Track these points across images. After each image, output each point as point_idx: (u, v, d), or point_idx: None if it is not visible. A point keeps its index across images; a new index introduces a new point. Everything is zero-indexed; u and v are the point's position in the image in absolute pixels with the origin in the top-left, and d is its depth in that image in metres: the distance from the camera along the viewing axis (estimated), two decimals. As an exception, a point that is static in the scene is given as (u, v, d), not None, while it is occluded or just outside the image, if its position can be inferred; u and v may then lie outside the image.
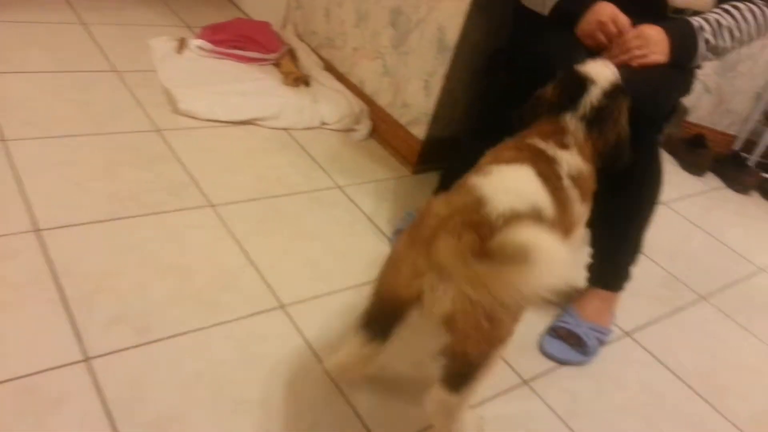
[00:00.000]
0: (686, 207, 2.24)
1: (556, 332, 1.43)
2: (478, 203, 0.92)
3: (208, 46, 2.23)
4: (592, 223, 1.51)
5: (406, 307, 0.96)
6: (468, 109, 1.90)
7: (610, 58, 1.30)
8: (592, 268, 1.52)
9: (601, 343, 1.45)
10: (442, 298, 0.88)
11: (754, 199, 2.48)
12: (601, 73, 1.19)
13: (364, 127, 2.05)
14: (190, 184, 1.59)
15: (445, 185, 1.61)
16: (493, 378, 1.27)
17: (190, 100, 1.89)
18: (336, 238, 1.56)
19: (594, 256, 1.51)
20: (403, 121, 1.97)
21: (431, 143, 1.91)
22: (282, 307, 1.31)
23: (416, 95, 1.90)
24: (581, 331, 1.43)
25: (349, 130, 2.05)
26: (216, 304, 1.27)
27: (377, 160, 1.95)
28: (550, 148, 1.13)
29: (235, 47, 2.26)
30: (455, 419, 1.01)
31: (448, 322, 0.90)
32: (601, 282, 1.51)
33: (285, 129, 1.96)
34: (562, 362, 1.40)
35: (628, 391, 1.37)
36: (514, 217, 0.91)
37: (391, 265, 0.99)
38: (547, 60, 1.31)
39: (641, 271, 1.66)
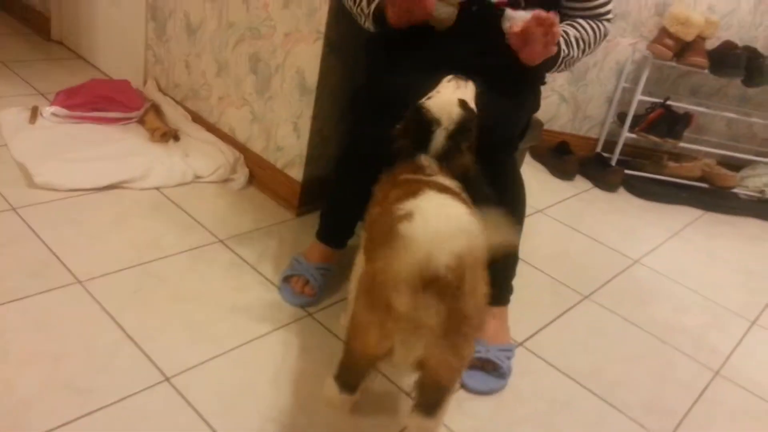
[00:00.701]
0: (560, 211, 2.37)
1: (472, 365, 1.44)
2: (423, 257, 0.92)
3: (63, 111, 2.11)
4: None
5: (376, 362, 1.08)
6: (339, 147, 1.91)
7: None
8: (479, 286, 1.56)
9: (510, 360, 1.47)
10: (413, 348, 0.99)
11: (621, 195, 2.66)
12: (446, 110, 1.24)
13: (241, 176, 2.01)
14: (53, 262, 1.48)
15: (328, 224, 1.61)
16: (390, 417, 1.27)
17: (46, 171, 1.78)
18: (220, 295, 1.50)
19: (479, 274, 1.55)
20: (279, 164, 1.95)
21: (310, 183, 1.90)
22: (167, 379, 1.23)
23: (287, 138, 1.89)
24: (492, 355, 1.44)
25: (225, 181, 2.00)
26: (92, 389, 1.18)
27: (258, 207, 1.92)
28: (427, 177, 1.21)
29: (93, 109, 2.16)
30: None
31: (421, 365, 1.03)
32: (492, 299, 1.55)
33: (156, 188, 1.88)
34: (489, 392, 1.40)
35: (527, 402, 1.41)
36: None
37: (357, 332, 1.06)
38: (403, 90, 1.34)
39: (526, 279, 1.73)
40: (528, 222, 2.02)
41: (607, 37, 1.57)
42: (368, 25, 1.47)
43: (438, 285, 0.92)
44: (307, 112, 1.80)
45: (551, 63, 1.42)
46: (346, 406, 1.23)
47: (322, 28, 1.68)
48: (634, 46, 2.72)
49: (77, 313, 1.35)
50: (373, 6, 1.44)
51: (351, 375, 1.15)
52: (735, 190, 2.73)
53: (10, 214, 1.62)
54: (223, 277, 1.57)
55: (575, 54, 1.46)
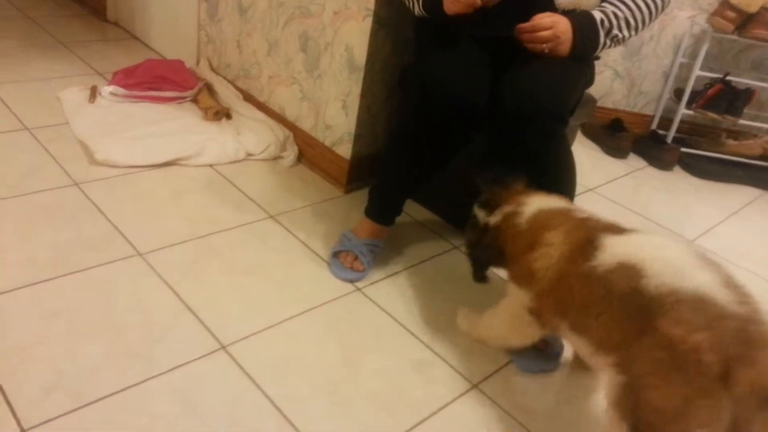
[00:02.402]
0: (612, 190, 2.32)
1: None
2: (710, 302, 0.86)
3: (121, 91, 2.18)
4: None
5: None
6: (388, 124, 1.92)
7: (520, 41, 1.35)
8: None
9: (562, 341, 1.46)
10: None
11: (676, 174, 2.58)
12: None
13: (290, 154, 2.04)
14: (114, 235, 1.55)
15: (376, 201, 1.62)
16: (441, 385, 1.28)
17: (106, 148, 1.85)
18: (272, 270, 1.54)
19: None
20: (327, 142, 1.97)
21: (358, 161, 1.92)
22: (223, 348, 1.28)
23: (336, 116, 1.91)
24: (548, 336, 1.43)
25: (276, 159, 2.04)
26: (151, 356, 1.23)
27: (308, 184, 1.95)
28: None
29: (149, 89, 2.23)
30: None
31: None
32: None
33: (210, 165, 1.94)
34: (540, 372, 1.40)
35: (575, 382, 1.40)
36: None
37: (674, 420, 0.87)
38: (448, 85, 1.34)
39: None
40: (578, 201, 1.99)
41: (665, 10, 1.52)
42: (418, 11, 1.46)
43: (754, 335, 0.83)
44: (356, 90, 1.81)
45: (589, 49, 1.39)
46: None
47: (371, 6, 1.68)
48: (693, 19, 2.62)
49: (137, 284, 1.41)
50: None
51: None
52: (798, 169, 2.62)
53: (73, 189, 1.69)
54: (275, 252, 1.61)
55: (623, 35, 1.41)
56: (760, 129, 2.71)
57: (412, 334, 1.43)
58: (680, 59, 2.67)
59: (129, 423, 1.09)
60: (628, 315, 0.94)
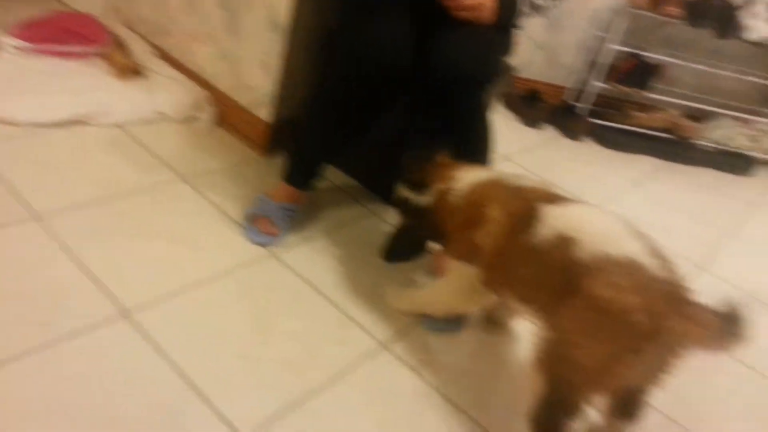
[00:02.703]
0: (526, 159, 2.40)
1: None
2: (640, 267, 0.93)
3: (25, 44, 2.04)
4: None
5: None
6: (309, 88, 1.89)
7: (446, 7, 1.34)
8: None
9: None
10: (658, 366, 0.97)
11: (587, 145, 2.70)
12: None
13: (206, 114, 1.99)
14: (8, 198, 1.47)
15: (294, 165, 1.61)
16: (352, 346, 1.31)
17: (5, 105, 1.73)
18: (184, 233, 1.51)
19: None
20: (246, 104, 1.93)
21: (278, 124, 1.89)
22: (126, 313, 1.26)
23: (256, 77, 1.87)
24: None
25: (190, 119, 1.98)
26: (50, 323, 1.19)
27: (224, 147, 1.91)
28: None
29: (56, 43, 2.09)
30: None
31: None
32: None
33: (119, 125, 1.86)
34: (447, 332, 1.44)
35: (479, 340, 1.46)
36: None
37: (602, 376, 0.95)
38: (374, 47, 1.34)
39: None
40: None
41: None
42: None
43: (682, 298, 0.91)
44: (277, 50, 1.77)
45: (510, 16, 1.42)
46: None
47: (293, -37, 1.64)
48: (610, -7, 2.71)
49: (33, 249, 1.35)
50: None
51: (562, 427, 1.02)
52: (696, 142, 2.79)
53: (-32, 148, 1.59)
54: (186, 215, 1.57)
55: (544, 3, 1.45)
56: (667, 103, 2.85)
57: (326, 297, 1.45)
58: (597, 33, 2.76)
59: (26, 392, 1.06)
60: (565, 283, 0.99)
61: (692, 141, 2.78)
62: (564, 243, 1.01)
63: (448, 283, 1.34)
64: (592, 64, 2.75)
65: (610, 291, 0.90)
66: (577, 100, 2.80)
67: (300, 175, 1.62)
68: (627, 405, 1.10)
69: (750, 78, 2.86)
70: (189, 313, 1.30)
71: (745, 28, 2.55)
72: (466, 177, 1.25)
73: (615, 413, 1.11)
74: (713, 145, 2.79)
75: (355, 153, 1.86)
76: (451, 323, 1.46)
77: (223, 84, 1.98)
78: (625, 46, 2.66)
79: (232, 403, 1.14)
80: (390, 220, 1.79)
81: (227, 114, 1.99)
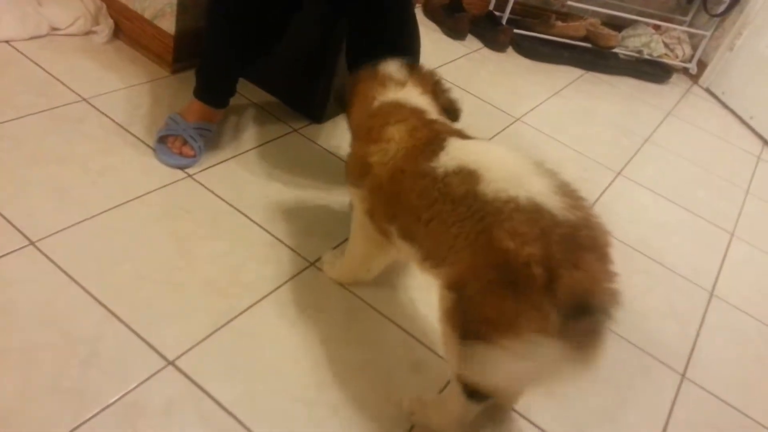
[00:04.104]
0: (451, 71, 2.35)
1: None
2: (543, 210, 0.86)
3: None
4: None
5: None
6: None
7: None
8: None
9: None
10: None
11: (509, 55, 2.67)
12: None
13: (105, 28, 1.81)
14: None
15: (205, 81, 1.50)
16: (278, 265, 1.28)
17: None
18: (87, 158, 1.40)
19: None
20: (147, 15, 1.77)
21: (184, 37, 1.75)
22: (32, 243, 1.16)
23: (156, -16, 1.70)
24: None
25: (87, 34, 1.80)
26: (-56, 256, 1.09)
27: (127, 63, 1.75)
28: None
29: None
30: None
31: None
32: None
33: (6, 41, 1.67)
34: None
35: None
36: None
37: (500, 326, 0.87)
38: None
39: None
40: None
41: None
42: None
43: (582, 240, 0.85)
44: (175, -46, 1.62)
45: None
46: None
47: None
48: None
49: None
50: None
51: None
52: (615, 50, 2.82)
53: None
54: (90, 139, 1.45)
55: None
56: (585, 11, 2.85)
57: (249, 218, 1.39)
58: (516, -62, 2.68)
59: None
60: (461, 220, 0.92)
61: (612, 50, 2.80)
62: (467, 177, 0.93)
63: (354, 230, 1.22)
64: (513, -28, 2.68)
65: (511, 242, 0.84)
66: (500, 9, 2.74)
67: (212, 92, 1.51)
68: None
69: (665, -16, 2.88)
70: (102, 240, 1.22)
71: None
72: (389, 94, 1.14)
73: None
74: (632, 54, 2.83)
75: (272, 67, 1.76)
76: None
77: (121, -7, 1.80)
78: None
79: (158, 329, 1.09)
80: (312, 137, 1.72)
81: (128, 27, 1.82)
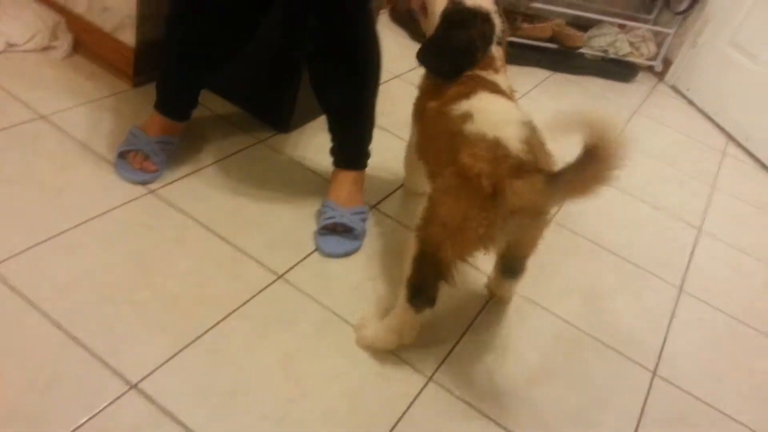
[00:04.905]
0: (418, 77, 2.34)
1: (325, 229, 1.44)
2: (502, 146, 1.06)
3: None
4: (326, 109, 1.51)
5: (466, 260, 1.12)
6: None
7: None
8: (335, 152, 1.54)
9: (365, 222, 1.49)
10: (510, 232, 1.10)
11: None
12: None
13: (63, 43, 1.77)
14: None
15: (166, 93, 1.48)
16: (244, 280, 1.26)
17: None
18: (45, 176, 1.36)
19: (334, 140, 1.53)
20: (107, 28, 1.74)
21: (146, 49, 1.72)
22: (-12, 268, 1.13)
23: (114, -4, 1.67)
24: (346, 219, 1.45)
25: (45, 49, 1.76)
26: None
27: (87, 77, 1.72)
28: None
29: None
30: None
31: (511, 245, 1.19)
32: (348, 164, 1.54)
33: (-42, 59, 1.63)
34: (344, 255, 1.43)
35: (378, 259, 1.45)
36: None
37: (454, 235, 1.07)
38: None
39: (382, 144, 1.73)
40: (385, 87, 1.99)
41: None
42: None
43: (524, 169, 1.03)
44: (133, -35, 1.59)
45: None
46: (416, 328, 1.22)
47: None
48: None
49: None
50: None
51: (434, 286, 1.15)
52: (582, 50, 2.84)
53: None
54: (48, 157, 1.42)
55: None
56: (551, 12, 2.87)
57: (214, 233, 1.37)
58: (479, -59, 2.69)
59: None
60: (450, 148, 1.13)
61: (578, 50, 2.83)
62: (465, 118, 1.14)
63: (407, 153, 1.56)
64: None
65: (470, 160, 1.05)
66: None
67: (173, 104, 1.49)
68: (509, 266, 1.32)
69: (628, -16, 2.92)
70: (61, 261, 1.19)
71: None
72: None
73: (500, 273, 1.36)
74: (598, 53, 2.86)
75: (236, 76, 1.74)
76: (346, 245, 1.43)
77: (78, 6, 1.77)
78: (509, -45, 2.62)
79: (120, 351, 1.07)
80: (279, 147, 1.71)
81: (88, 41, 1.79)
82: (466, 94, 1.20)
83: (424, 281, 1.14)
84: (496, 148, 1.06)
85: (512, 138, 1.07)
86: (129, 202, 1.37)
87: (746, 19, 2.65)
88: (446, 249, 1.08)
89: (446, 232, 1.08)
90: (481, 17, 1.27)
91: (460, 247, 1.08)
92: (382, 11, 2.68)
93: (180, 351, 1.10)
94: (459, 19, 1.26)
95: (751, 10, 2.63)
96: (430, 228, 1.11)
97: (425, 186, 1.29)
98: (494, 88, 1.23)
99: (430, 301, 1.16)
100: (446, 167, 1.11)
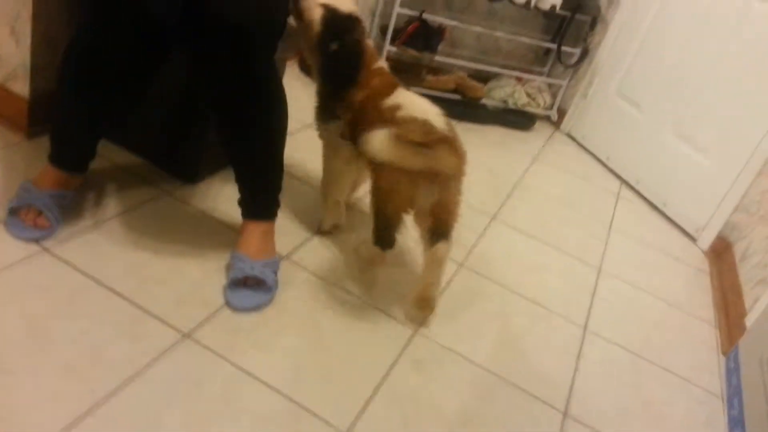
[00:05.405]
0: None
1: (235, 283, 1.40)
2: (430, 125, 1.41)
3: None
4: (233, 160, 1.49)
5: (403, 215, 1.48)
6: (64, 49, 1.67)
7: None
8: (244, 203, 1.50)
9: (276, 273, 1.46)
10: (433, 194, 1.42)
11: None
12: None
13: (-54, 93, 1.66)
14: None
15: (60, 144, 1.41)
16: (147, 341, 1.19)
17: None
18: None
19: (242, 190, 1.49)
20: (-3, 78, 1.65)
21: (40, 98, 1.64)
22: None
23: (5, 46, 1.59)
24: (257, 271, 1.41)
25: (-75, 99, 1.65)
26: None
27: (-26, 130, 1.62)
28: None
29: None
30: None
31: (435, 207, 1.44)
32: (257, 214, 1.51)
33: None
34: (255, 308, 1.39)
35: (290, 311, 1.42)
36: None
37: (390, 194, 1.44)
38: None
39: (292, 192, 1.72)
40: (296, 137, 2.00)
41: None
42: None
43: (446, 142, 1.39)
44: (26, 13, 1.52)
45: None
46: (385, 260, 1.64)
47: None
48: (393, -43, 2.74)
49: None
50: None
51: (389, 233, 1.50)
52: (483, 101, 2.98)
53: None
54: (-73, 215, 1.31)
55: None
56: (453, 65, 3.00)
57: (113, 291, 1.30)
58: (384, -3, 2.80)
59: None
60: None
61: (480, 101, 2.96)
62: (396, 107, 1.45)
63: (326, 153, 1.69)
64: (383, 28, 2.79)
65: (405, 133, 1.34)
66: (373, 63, 2.82)
67: (67, 155, 1.42)
68: (437, 230, 1.48)
69: (523, 38, 3.11)
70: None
71: (513, -10, 2.74)
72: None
73: (430, 237, 1.49)
74: (498, 104, 3.01)
75: (137, 124, 1.68)
76: (257, 298, 1.40)
77: (-34, 56, 1.67)
78: (409, 10, 2.73)
79: (13, 424, 0.97)
80: (185, 198, 1.66)
81: (-25, 91, 1.69)
82: (387, 88, 1.52)
83: (381, 231, 1.51)
84: (425, 125, 1.40)
85: (436, 120, 1.43)
86: (20, 261, 1.28)
87: (629, 71, 2.88)
88: (394, 205, 1.45)
89: (386, 197, 1.45)
90: (355, 20, 1.54)
91: (396, 203, 1.44)
92: (290, 62, 2.70)
93: (73, 422, 1.02)
94: (338, 24, 1.51)
95: (633, 62, 2.86)
96: (377, 193, 1.47)
97: (341, 218, 1.72)
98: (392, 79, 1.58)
99: (389, 244, 1.53)
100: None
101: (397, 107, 1.45)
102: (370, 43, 1.59)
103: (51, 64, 1.63)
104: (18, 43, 1.57)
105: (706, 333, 1.92)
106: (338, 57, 1.52)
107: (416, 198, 1.41)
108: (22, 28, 1.55)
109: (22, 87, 1.62)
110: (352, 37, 1.52)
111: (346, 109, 1.55)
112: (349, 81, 1.53)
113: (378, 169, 1.43)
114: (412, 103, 1.47)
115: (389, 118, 1.43)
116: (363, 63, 1.54)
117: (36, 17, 1.53)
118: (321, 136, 1.65)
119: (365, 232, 1.59)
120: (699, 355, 1.81)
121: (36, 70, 1.60)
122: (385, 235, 1.51)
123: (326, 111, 1.60)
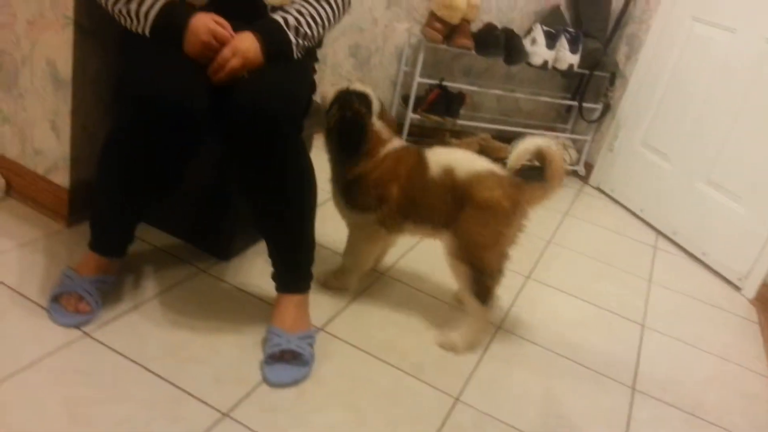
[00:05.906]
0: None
1: (272, 358, 1.40)
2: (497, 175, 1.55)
3: None
4: (265, 236, 1.51)
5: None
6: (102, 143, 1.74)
7: (212, 76, 1.29)
8: (277, 278, 1.52)
9: (312, 346, 1.46)
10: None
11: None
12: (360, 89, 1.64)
13: (-6, 187, 1.75)
14: None
15: (99, 231, 1.45)
16: (187, 421, 1.19)
17: None
18: (-30, 330, 1.29)
19: (275, 265, 1.51)
20: (40, 170, 1.73)
21: (79, 188, 1.71)
22: None
23: (46, 139, 1.68)
24: (293, 345, 1.41)
25: (-26, 195, 1.73)
26: None
27: (19, 220, 1.68)
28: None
29: None
30: None
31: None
32: (290, 288, 1.52)
33: None
34: (293, 383, 1.38)
35: (329, 384, 1.41)
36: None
37: (494, 249, 1.56)
38: (162, 87, 1.25)
39: (324, 265, 1.73)
40: (324, 208, 2.02)
41: (349, 9, 1.58)
42: (142, 30, 1.32)
43: (520, 185, 1.55)
44: (65, 108, 1.61)
45: (282, 50, 1.38)
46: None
47: (70, 13, 1.50)
48: (409, 30, 2.85)
49: None
50: (154, 13, 1.29)
51: (495, 282, 1.60)
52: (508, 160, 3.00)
53: None
54: (-26, 306, 1.35)
55: (312, 32, 1.42)
56: (476, 128, 3.05)
57: (153, 372, 1.30)
58: (403, 68, 2.89)
59: None
60: (458, 198, 1.52)
61: (504, 161, 2.98)
62: (448, 172, 1.53)
63: (354, 235, 1.72)
64: (404, 97, 2.86)
65: (486, 193, 1.49)
66: (398, 130, 2.89)
67: (106, 241, 1.46)
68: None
69: (542, 98, 3.15)
70: (-18, 421, 1.10)
71: (528, 54, 2.81)
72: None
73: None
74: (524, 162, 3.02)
75: (172, 206, 1.73)
76: (294, 373, 1.39)
77: (10, 151, 1.76)
78: (429, 78, 2.80)
79: None
80: (220, 275, 1.68)
81: (20, 184, 1.77)
82: (419, 156, 1.58)
83: (486, 288, 1.57)
84: (494, 176, 1.52)
85: (490, 166, 1.54)
86: (61, 348, 1.30)
87: (653, 122, 2.88)
88: (491, 261, 1.55)
89: (488, 250, 1.53)
90: (362, 96, 1.60)
91: (499, 255, 1.57)
92: (316, 135, 2.78)
93: None
94: (344, 97, 1.59)
95: (656, 113, 2.87)
96: (475, 252, 1.53)
97: (352, 286, 1.76)
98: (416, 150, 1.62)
99: (492, 298, 1.60)
100: (459, 210, 1.51)
101: (449, 169, 1.52)
102: (379, 123, 1.62)
103: (90, 155, 1.70)
104: (58, 137, 1.66)
105: (762, 387, 1.83)
106: (340, 123, 1.59)
107: (515, 236, 1.56)
108: (61, 122, 1.63)
109: (62, 178, 1.70)
110: (353, 107, 1.57)
111: (376, 195, 1.59)
112: (352, 149, 1.59)
113: (467, 226, 1.51)
114: (462, 160, 1.55)
115: (446, 181, 1.52)
116: (368, 135, 1.58)
117: (74, 112, 1.62)
118: (344, 217, 1.70)
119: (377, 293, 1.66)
120: (757, 411, 1.72)
121: (75, 162, 1.68)
122: (492, 285, 1.59)
123: (347, 193, 1.63)
